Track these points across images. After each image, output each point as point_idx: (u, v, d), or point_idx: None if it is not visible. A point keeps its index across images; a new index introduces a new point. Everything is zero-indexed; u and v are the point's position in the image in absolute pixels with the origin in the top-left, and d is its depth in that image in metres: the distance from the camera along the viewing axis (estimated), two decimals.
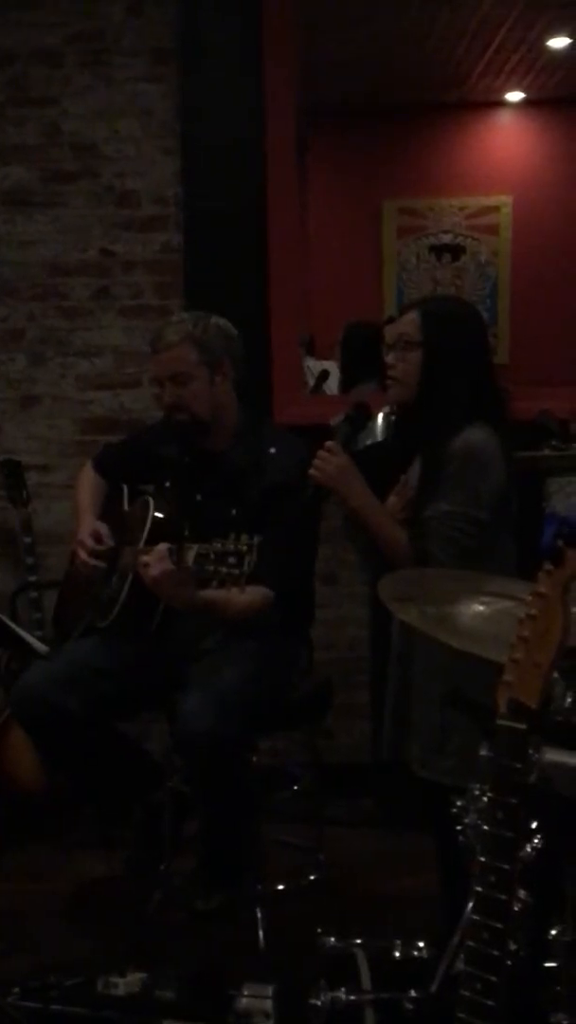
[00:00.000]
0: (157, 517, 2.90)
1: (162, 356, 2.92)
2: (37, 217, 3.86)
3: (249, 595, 2.71)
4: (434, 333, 2.51)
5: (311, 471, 2.51)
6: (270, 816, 3.19)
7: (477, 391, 2.51)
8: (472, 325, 2.61)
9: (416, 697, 2.51)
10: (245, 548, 2.44)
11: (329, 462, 2.50)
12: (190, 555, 2.52)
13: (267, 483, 2.84)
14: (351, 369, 5.17)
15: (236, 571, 2.44)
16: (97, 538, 2.99)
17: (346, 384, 5.18)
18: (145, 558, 2.66)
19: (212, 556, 2.48)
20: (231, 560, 2.45)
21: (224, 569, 2.46)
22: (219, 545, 2.48)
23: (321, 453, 2.52)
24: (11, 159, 3.84)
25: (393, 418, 2.64)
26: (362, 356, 5.05)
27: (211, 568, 2.48)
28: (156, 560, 2.63)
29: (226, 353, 2.93)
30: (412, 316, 2.55)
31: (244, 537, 2.46)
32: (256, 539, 2.45)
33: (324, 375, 5.36)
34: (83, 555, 2.98)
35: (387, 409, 2.64)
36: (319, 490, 2.54)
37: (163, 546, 2.62)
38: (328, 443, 2.52)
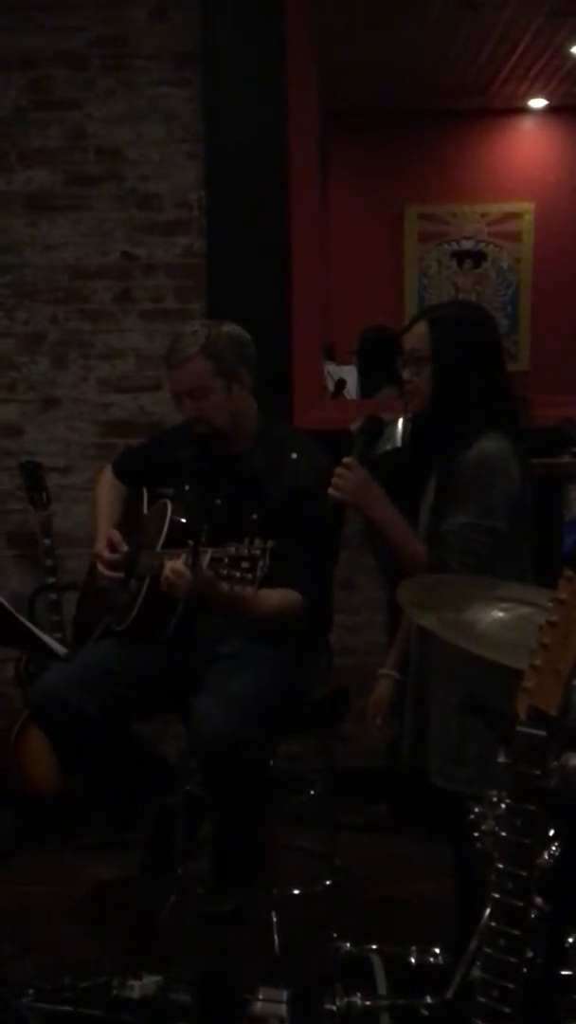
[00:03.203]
0: (175, 520, 2.90)
1: (177, 371, 2.90)
2: (60, 220, 3.87)
3: (281, 597, 2.71)
4: (443, 345, 2.48)
5: (330, 489, 2.51)
6: (285, 820, 3.19)
7: (490, 399, 2.50)
8: (481, 331, 2.56)
9: (433, 706, 2.50)
10: (259, 552, 2.45)
11: (347, 479, 2.49)
12: (205, 559, 2.53)
13: (288, 488, 2.84)
14: (370, 376, 5.17)
15: (249, 575, 2.45)
16: (112, 546, 2.99)
17: (366, 391, 5.18)
18: (168, 573, 2.66)
19: (226, 560, 2.49)
20: (244, 564, 2.46)
21: (237, 573, 2.46)
22: (233, 549, 2.49)
23: (339, 470, 2.51)
24: (34, 162, 3.86)
25: (411, 425, 2.64)
26: (379, 362, 5.05)
27: (224, 572, 2.48)
28: (177, 578, 2.64)
29: (240, 360, 2.91)
30: (421, 328, 2.52)
31: (258, 541, 2.47)
32: (270, 543, 2.46)
33: (341, 384, 5.35)
34: (101, 567, 2.99)
35: (408, 414, 2.64)
36: (337, 508, 2.54)
37: (180, 564, 2.62)
38: (345, 459, 2.52)
